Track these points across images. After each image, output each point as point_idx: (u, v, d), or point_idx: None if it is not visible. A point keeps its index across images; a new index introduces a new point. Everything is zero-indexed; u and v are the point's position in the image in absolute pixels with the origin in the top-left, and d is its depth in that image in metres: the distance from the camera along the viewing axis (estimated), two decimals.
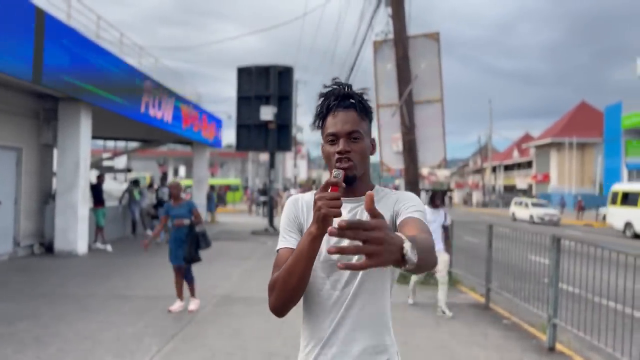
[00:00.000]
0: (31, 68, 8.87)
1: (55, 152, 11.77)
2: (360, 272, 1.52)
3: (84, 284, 8.00)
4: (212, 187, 23.52)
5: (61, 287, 7.78)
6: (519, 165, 60.20)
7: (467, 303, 7.35)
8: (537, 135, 56.59)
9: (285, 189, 35.61)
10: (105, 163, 22.13)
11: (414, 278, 7.16)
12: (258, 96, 16.44)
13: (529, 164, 56.35)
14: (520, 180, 57.02)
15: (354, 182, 1.55)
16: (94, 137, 15.58)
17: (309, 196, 1.64)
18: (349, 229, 1.05)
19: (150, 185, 20.40)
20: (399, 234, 1.16)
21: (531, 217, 29.13)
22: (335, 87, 1.59)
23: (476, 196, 55.98)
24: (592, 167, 43.52)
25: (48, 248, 11.32)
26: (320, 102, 1.61)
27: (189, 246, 6.33)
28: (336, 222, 1.38)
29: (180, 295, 6.55)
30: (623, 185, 23.06)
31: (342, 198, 1.35)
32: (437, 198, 6.92)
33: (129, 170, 24.06)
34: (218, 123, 22.69)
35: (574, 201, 38.20)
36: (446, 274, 6.72)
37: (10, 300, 6.85)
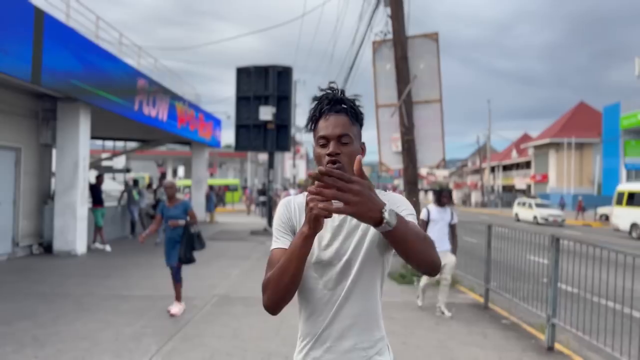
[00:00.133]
0: (30, 68, 8.87)
1: (54, 152, 11.76)
2: (352, 274, 1.58)
3: (83, 284, 8.00)
4: (210, 188, 23.50)
5: (60, 287, 7.77)
6: (517, 166, 60.25)
7: (466, 303, 7.35)
8: (536, 135, 56.66)
9: (284, 188, 35.62)
10: (104, 163, 22.11)
11: (424, 280, 6.83)
12: (257, 96, 16.43)
13: (527, 164, 56.40)
14: (519, 181, 57.06)
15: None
16: (93, 137, 15.58)
17: (301, 198, 1.67)
18: (329, 176, 1.23)
19: (149, 186, 20.41)
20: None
21: (535, 218, 28.64)
22: (328, 91, 1.64)
23: (475, 196, 56.03)
24: (591, 168, 43.57)
25: (47, 248, 11.31)
26: (313, 105, 1.66)
27: (183, 247, 6.27)
28: (327, 222, 1.49)
29: (178, 296, 6.53)
30: (629, 185, 22.52)
31: (335, 201, 1.38)
32: (444, 196, 6.74)
33: (127, 170, 24.07)
34: (216, 122, 22.56)
35: (573, 201, 38.26)
36: (450, 276, 6.71)
37: (9, 300, 6.85)
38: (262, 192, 27.73)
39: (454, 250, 6.65)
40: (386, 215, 1.27)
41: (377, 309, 1.65)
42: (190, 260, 6.39)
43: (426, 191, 71.51)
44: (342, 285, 1.59)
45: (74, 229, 10.97)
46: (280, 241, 1.62)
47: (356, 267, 1.59)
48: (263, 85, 16.45)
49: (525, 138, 59.92)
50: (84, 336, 5.34)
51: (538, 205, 29.53)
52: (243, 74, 16.73)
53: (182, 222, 6.32)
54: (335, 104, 1.62)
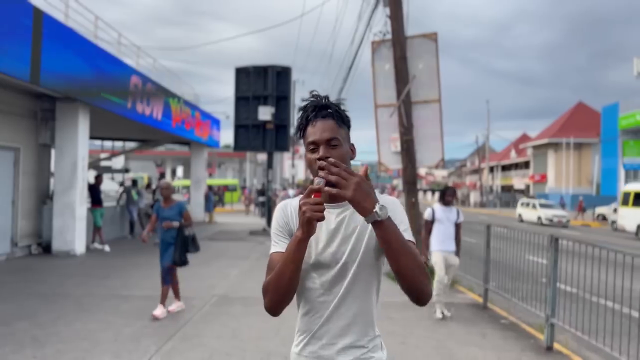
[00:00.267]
0: (29, 68, 8.86)
1: (53, 152, 11.74)
2: (348, 277, 1.65)
3: (82, 284, 7.99)
4: (209, 188, 23.49)
5: (59, 287, 7.77)
6: (516, 166, 60.32)
7: (465, 303, 7.36)
8: (535, 135, 56.73)
9: (283, 188, 35.61)
10: (103, 163, 22.10)
11: (437, 284, 6.33)
12: (256, 96, 16.42)
13: (526, 164, 56.47)
14: (518, 181, 57.11)
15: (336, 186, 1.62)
16: (92, 137, 15.54)
17: (297, 201, 1.72)
18: (333, 165, 1.44)
19: (148, 186, 20.41)
20: None
21: (539, 218, 27.86)
22: (312, 99, 1.71)
23: (474, 196, 56.04)
24: (589, 168, 43.61)
25: (46, 248, 11.30)
26: (300, 114, 1.72)
27: (178, 249, 6.18)
28: (323, 225, 1.60)
29: (177, 295, 6.53)
30: (635, 186, 22.05)
31: (327, 204, 1.55)
32: (449, 194, 6.53)
33: (126, 170, 24.07)
34: (213, 121, 22.37)
35: (571, 201, 38.28)
36: (451, 277, 6.69)
37: (8, 300, 6.84)
38: (261, 192, 27.72)
39: (457, 252, 6.53)
40: (377, 208, 1.44)
41: (372, 311, 1.70)
42: (184, 262, 6.30)
43: (425, 191, 71.54)
44: (339, 287, 1.65)
45: (72, 229, 10.96)
46: (279, 245, 1.68)
47: (352, 270, 1.64)
48: (262, 85, 16.44)
49: (524, 138, 60.00)
50: (84, 336, 5.34)
51: (542, 206, 28.78)
52: (242, 74, 16.72)
53: (175, 224, 6.20)
54: (320, 109, 1.67)
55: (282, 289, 1.56)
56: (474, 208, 49.92)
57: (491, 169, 61.49)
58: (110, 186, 19.85)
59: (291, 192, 28.67)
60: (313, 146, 1.65)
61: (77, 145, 11.07)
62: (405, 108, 9.21)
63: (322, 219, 1.45)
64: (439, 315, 6.34)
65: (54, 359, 4.68)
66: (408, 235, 1.63)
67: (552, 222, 26.78)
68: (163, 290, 6.28)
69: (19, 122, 10.98)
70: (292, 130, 19.36)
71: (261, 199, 25.87)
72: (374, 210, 1.44)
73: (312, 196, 1.47)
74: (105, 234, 12.65)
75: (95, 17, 12.23)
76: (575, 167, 44.88)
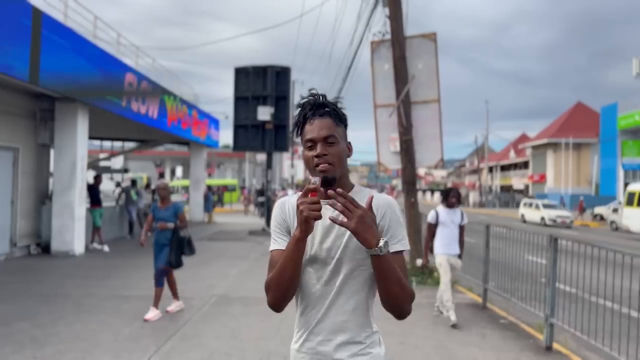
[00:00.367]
0: (28, 68, 8.85)
1: (52, 152, 11.73)
2: (342, 272, 1.68)
3: (81, 285, 7.99)
4: (209, 188, 23.48)
5: (58, 287, 7.76)
6: (515, 166, 60.36)
7: (464, 303, 7.36)
8: (534, 135, 56.76)
9: (282, 188, 35.60)
10: (102, 163, 22.08)
11: (447, 290, 6.21)
12: (255, 96, 16.41)
13: (525, 165, 56.51)
14: (517, 181, 57.15)
15: (334, 183, 1.65)
16: (91, 137, 15.51)
17: (295, 199, 1.74)
18: (341, 196, 1.48)
19: (147, 186, 20.38)
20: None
21: (543, 219, 27.15)
22: (310, 97, 1.74)
23: (473, 196, 56.07)
24: (588, 168, 43.66)
25: (45, 248, 11.29)
26: (297, 112, 1.75)
27: (174, 251, 6.11)
28: (318, 224, 1.64)
29: (175, 295, 6.51)
30: None
31: (324, 199, 1.58)
32: (453, 196, 6.36)
33: (125, 170, 24.04)
34: (211, 120, 22.16)
35: (571, 202, 38.30)
36: (453, 279, 6.65)
37: (7, 300, 6.83)
38: (260, 192, 27.72)
39: (460, 255, 6.41)
40: (381, 243, 1.51)
41: (369, 306, 1.73)
42: (179, 264, 6.24)
43: (424, 191, 71.56)
44: (334, 282, 1.67)
45: (71, 229, 10.96)
46: (278, 242, 1.72)
47: (347, 266, 1.67)
48: (261, 85, 16.44)
49: (523, 138, 60.03)
50: (83, 337, 5.34)
51: (545, 206, 27.99)
52: (241, 74, 16.72)
53: (170, 225, 6.13)
54: (318, 108, 1.70)
55: (283, 286, 1.61)
56: (473, 208, 49.93)
57: (490, 169, 61.53)
58: (106, 186, 19.81)
59: (290, 192, 28.65)
60: (310, 143, 1.68)
61: (76, 146, 11.06)
62: (405, 108, 9.21)
63: (319, 217, 1.49)
64: (453, 319, 6.01)
65: (53, 359, 4.68)
66: (403, 245, 1.68)
67: (556, 223, 26.08)
68: (156, 292, 6.21)
69: (18, 122, 10.97)
70: (291, 131, 19.34)
71: (260, 199, 25.87)
72: (378, 245, 1.50)
73: (309, 195, 1.50)
74: (104, 234, 12.65)
75: (94, 17, 12.23)
76: (574, 167, 44.91)
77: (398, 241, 1.68)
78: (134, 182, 16.05)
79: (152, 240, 6.31)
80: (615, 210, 25.61)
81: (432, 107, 9.39)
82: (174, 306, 6.45)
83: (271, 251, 1.73)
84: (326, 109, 1.70)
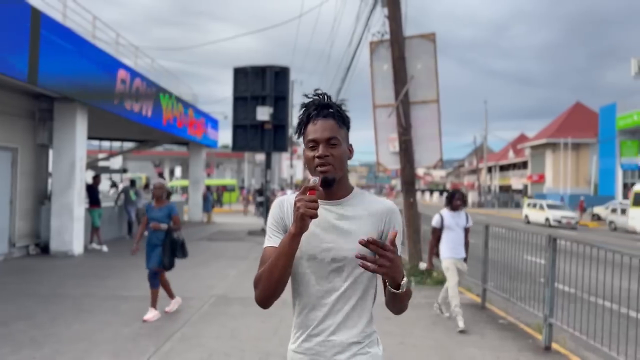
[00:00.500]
0: (27, 68, 8.84)
1: (50, 152, 11.71)
2: (347, 273, 1.69)
3: (80, 285, 7.98)
4: (208, 188, 23.48)
5: (57, 287, 7.76)
6: (514, 166, 60.41)
7: (463, 303, 7.33)
8: (533, 135, 56.78)
9: (281, 189, 35.58)
10: (101, 163, 22.08)
11: (453, 292, 6.10)
12: (254, 96, 16.41)
13: (524, 165, 56.54)
14: (516, 181, 57.17)
15: (333, 184, 1.67)
16: (90, 137, 15.50)
17: (293, 198, 1.74)
18: (373, 244, 1.46)
19: (146, 186, 20.38)
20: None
21: (547, 220, 26.07)
22: (315, 97, 1.74)
23: (472, 196, 56.11)
24: (587, 168, 43.66)
25: (44, 249, 11.28)
26: (301, 111, 1.75)
27: (167, 253, 6.08)
28: (320, 220, 1.65)
29: (170, 295, 6.49)
30: None
31: (323, 200, 1.64)
32: (458, 198, 6.23)
33: (124, 170, 24.07)
34: (208, 120, 21.97)
35: (570, 202, 38.33)
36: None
37: (6, 301, 6.82)
38: (259, 192, 27.72)
39: (465, 258, 6.32)
40: (404, 282, 1.57)
41: (369, 307, 1.73)
42: (171, 266, 6.21)
43: (423, 191, 71.58)
44: (335, 283, 1.67)
45: (70, 230, 10.95)
46: (272, 239, 1.71)
47: (348, 267, 1.67)
48: (260, 85, 16.43)
49: (522, 138, 60.07)
50: (82, 337, 5.33)
51: (550, 207, 27.03)
52: (240, 74, 16.71)
53: (164, 226, 6.07)
54: (322, 108, 1.71)
55: (272, 282, 1.59)
56: (472, 208, 49.94)
57: (489, 169, 61.56)
58: (101, 185, 19.76)
59: (289, 192, 28.65)
60: (313, 144, 1.68)
61: (75, 146, 11.05)
62: (404, 108, 9.22)
63: (315, 216, 1.50)
64: (461, 326, 5.83)
65: None
66: (399, 250, 1.69)
67: (561, 224, 25.13)
68: (152, 293, 6.20)
69: (16, 122, 10.96)
70: (290, 131, 19.33)
71: (259, 199, 25.87)
72: (401, 285, 1.56)
73: (308, 193, 1.51)
74: (103, 235, 12.63)
75: (93, 17, 12.22)
76: (573, 167, 44.94)
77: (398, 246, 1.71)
78: (133, 182, 16.04)
79: (145, 239, 6.29)
80: (614, 211, 25.62)
81: (431, 107, 9.40)
82: (171, 305, 6.44)
83: (264, 248, 1.72)
84: (330, 110, 1.71)
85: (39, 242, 11.41)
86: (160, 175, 30.77)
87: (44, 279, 8.42)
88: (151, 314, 6.08)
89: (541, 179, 49.89)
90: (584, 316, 5.03)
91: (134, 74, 13.19)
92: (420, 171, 46.48)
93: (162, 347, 5.07)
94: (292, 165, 36.29)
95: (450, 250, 6.19)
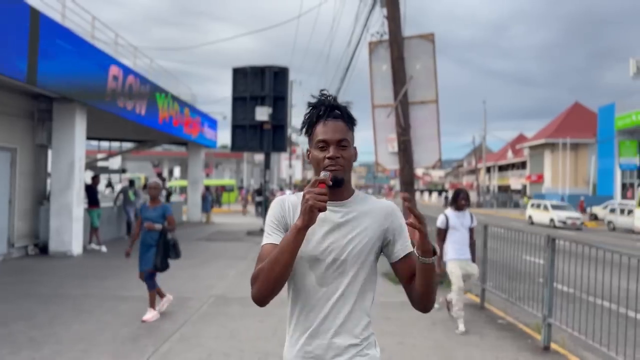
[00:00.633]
0: (25, 68, 8.84)
1: (49, 152, 11.69)
2: (348, 274, 1.68)
3: (79, 285, 7.98)
4: (207, 188, 23.47)
5: (56, 288, 7.75)
6: (513, 166, 60.46)
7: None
8: (531, 135, 56.83)
9: (280, 189, 35.60)
10: (100, 164, 22.06)
11: (456, 295, 5.97)
12: (253, 97, 16.41)
13: (523, 165, 56.59)
14: (515, 181, 57.23)
15: (342, 185, 1.69)
16: (89, 137, 15.47)
17: (294, 198, 1.76)
18: (416, 216, 1.53)
19: (145, 186, 20.36)
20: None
21: (552, 220, 25.59)
22: (322, 97, 1.74)
23: (471, 196, 56.21)
24: (586, 168, 43.70)
25: (42, 249, 11.27)
26: (309, 111, 1.74)
27: (160, 254, 6.03)
28: (323, 220, 1.64)
29: (161, 294, 6.41)
30: None
31: (332, 201, 1.62)
32: (462, 198, 6.13)
33: (123, 170, 24.06)
34: (205, 119, 21.75)
35: (569, 202, 38.37)
36: (468, 287, 6.54)
37: (5, 301, 6.82)
38: (258, 192, 27.72)
39: (473, 259, 6.21)
40: (433, 256, 1.60)
41: (368, 309, 1.73)
42: (165, 267, 6.17)
43: (422, 191, 71.61)
44: (338, 283, 1.66)
45: (69, 230, 10.94)
46: (272, 237, 1.69)
47: (350, 268, 1.66)
48: (259, 85, 16.43)
49: (521, 138, 60.13)
50: (81, 337, 5.33)
51: (554, 207, 26.49)
52: (239, 74, 16.71)
53: (158, 226, 6.02)
54: (332, 109, 1.71)
55: (272, 278, 1.55)
56: (471, 208, 50.04)
57: (488, 169, 61.61)
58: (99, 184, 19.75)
59: (288, 192, 28.66)
60: (323, 144, 1.68)
61: (74, 146, 11.05)
62: (403, 108, 9.22)
63: (323, 209, 1.48)
64: (462, 329, 5.79)
65: None
66: (410, 246, 1.75)
67: (566, 225, 24.58)
68: (150, 294, 6.19)
69: (15, 122, 10.95)
70: (289, 131, 19.33)
71: (258, 199, 25.87)
72: (434, 250, 1.60)
73: (318, 186, 1.51)
74: (102, 235, 12.62)
75: (92, 18, 12.21)
76: (572, 168, 44.98)
77: (410, 243, 1.76)
78: (131, 183, 16.02)
79: (139, 239, 6.26)
80: (612, 211, 25.64)
81: (429, 108, 9.41)
82: (161, 304, 6.36)
83: (263, 245, 1.69)
84: (340, 111, 1.72)
85: (38, 243, 11.40)
86: (159, 175, 30.73)
87: (43, 279, 8.41)
88: (150, 315, 6.07)
89: (540, 179, 49.93)
90: (583, 316, 5.04)
91: (126, 70, 13.07)
92: (419, 171, 46.50)
93: (161, 348, 5.07)
94: (291, 166, 36.30)
95: (455, 251, 6.08)
